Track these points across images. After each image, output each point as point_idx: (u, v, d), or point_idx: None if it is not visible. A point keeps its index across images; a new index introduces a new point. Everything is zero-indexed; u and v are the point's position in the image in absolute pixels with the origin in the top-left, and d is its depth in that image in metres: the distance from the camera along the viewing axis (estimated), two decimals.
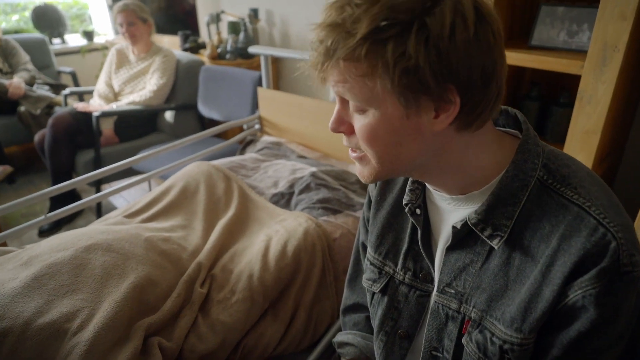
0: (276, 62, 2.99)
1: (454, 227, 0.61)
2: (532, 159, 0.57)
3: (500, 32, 0.52)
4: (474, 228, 0.58)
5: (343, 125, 0.58)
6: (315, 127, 1.97)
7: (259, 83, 2.31)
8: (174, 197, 1.44)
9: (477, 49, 0.49)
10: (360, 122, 0.54)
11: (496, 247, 0.57)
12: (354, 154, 0.60)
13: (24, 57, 3.03)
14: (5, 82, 2.78)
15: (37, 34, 3.41)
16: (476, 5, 0.49)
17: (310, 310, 1.19)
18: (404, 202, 0.68)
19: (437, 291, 0.66)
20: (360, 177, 0.61)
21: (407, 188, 0.69)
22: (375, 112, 0.52)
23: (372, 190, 0.80)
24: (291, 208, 1.49)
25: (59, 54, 3.64)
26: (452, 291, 0.63)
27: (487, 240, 0.58)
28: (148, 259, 1.08)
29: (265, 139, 2.10)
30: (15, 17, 3.89)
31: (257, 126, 2.24)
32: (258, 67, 2.60)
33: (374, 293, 0.76)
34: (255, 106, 2.35)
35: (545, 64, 1.41)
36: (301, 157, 1.90)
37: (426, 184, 0.66)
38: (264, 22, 2.98)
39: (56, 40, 3.77)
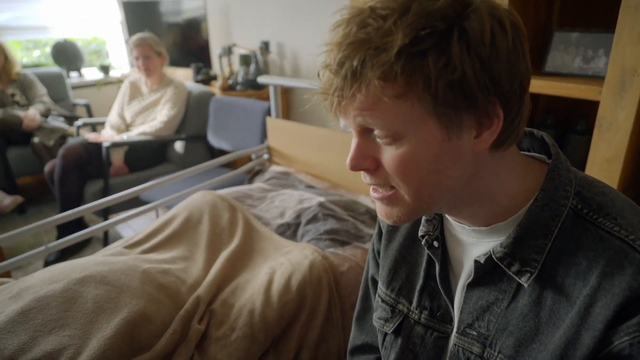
0: (286, 93, 3.00)
1: (476, 262, 0.54)
2: (563, 186, 0.51)
3: (526, 37, 0.47)
4: (499, 263, 0.52)
5: (366, 161, 0.50)
6: (324, 157, 1.93)
7: (269, 113, 2.30)
8: (177, 228, 1.39)
9: (517, 57, 0.45)
10: (391, 153, 0.48)
11: (525, 285, 0.50)
12: (378, 194, 0.53)
13: (41, 89, 3.09)
14: (21, 114, 2.83)
15: (55, 68, 3.50)
16: (508, 12, 0.46)
17: (315, 350, 1.11)
18: (420, 233, 0.62)
19: (457, 332, 0.58)
20: (387, 219, 0.53)
21: (423, 218, 0.62)
22: (411, 139, 0.46)
23: (383, 220, 0.73)
24: (297, 239, 1.43)
25: (76, 87, 3.72)
26: (474, 333, 0.56)
27: (514, 276, 0.51)
28: (144, 293, 1.02)
29: (274, 168, 2.07)
30: (36, 53, 4.02)
31: (265, 156, 2.21)
32: (268, 98, 2.61)
33: (386, 334, 0.69)
34: (264, 136, 2.33)
35: (562, 90, 1.36)
36: (310, 187, 1.86)
37: (449, 217, 0.59)
38: (275, 55, 3.01)
39: (73, 74, 3.86)
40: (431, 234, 0.61)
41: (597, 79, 1.41)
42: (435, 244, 0.60)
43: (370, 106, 0.45)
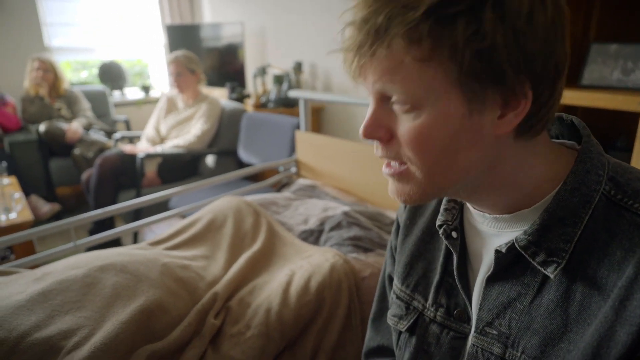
0: (317, 113, 3.03)
1: (497, 252, 0.49)
2: (595, 169, 0.47)
3: (568, 19, 0.44)
4: (523, 252, 0.47)
5: (380, 130, 0.47)
6: (352, 171, 1.92)
7: (298, 128, 2.32)
8: (200, 229, 1.40)
9: (554, 36, 0.42)
10: (408, 123, 0.45)
11: (552, 276, 0.46)
12: (389, 170, 0.50)
13: (85, 105, 3.26)
14: (65, 126, 2.98)
15: (99, 86, 3.69)
16: None
17: (332, 356, 1.06)
18: (438, 222, 0.58)
19: (475, 332, 0.53)
20: (398, 197, 0.50)
21: (442, 207, 0.58)
22: (431, 110, 0.43)
23: (401, 213, 0.70)
24: (320, 245, 1.41)
25: (118, 104, 3.91)
26: (494, 332, 0.51)
27: (539, 267, 0.47)
28: (162, 284, 1.02)
29: (301, 181, 2.07)
30: (84, 74, 4.27)
31: (293, 169, 2.22)
32: (298, 115, 2.64)
33: (400, 332, 0.64)
34: (293, 151, 2.35)
35: (600, 101, 1.31)
36: (335, 199, 1.84)
37: (469, 204, 0.56)
38: (307, 75, 3.07)
39: (116, 93, 4.06)
40: (450, 223, 0.57)
41: (637, 91, 1.35)
42: (454, 234, 0.56)
43: (392, 69, 0.43)
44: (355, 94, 2.79)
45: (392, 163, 0.49)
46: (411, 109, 0.44)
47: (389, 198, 1.83)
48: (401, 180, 0.49)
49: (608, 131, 1.60)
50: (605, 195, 0.46)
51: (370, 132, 0.48)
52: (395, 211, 1.73)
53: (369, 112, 0.48)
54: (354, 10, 0.44)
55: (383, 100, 0.47)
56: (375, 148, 0.50)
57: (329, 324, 1.09)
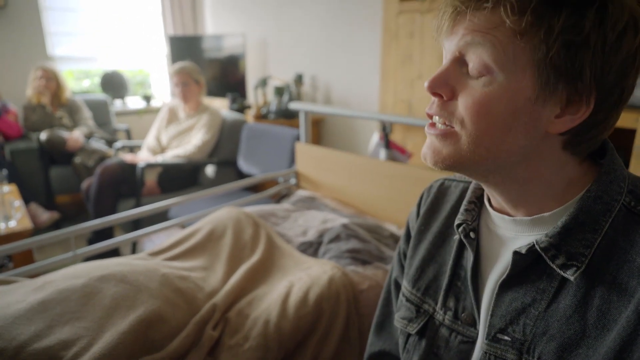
0: (317, 124, 3.06)
1: (516, 253, 0.50)
2: (617, 181, 0.49)
3: None
4: (543, 254, 0.48)
5: (445, 87, 0.48)
6: (352, 183, 1.93)
7: (298, 139, 2.34)
8: (200, 240, 1.40)
9: (632, 63, 0.44)
10: (476, 87, 0.46)
11: (572, 279, 0.47)
12: (434, 130, 0.50)
13: (86, 113, 3.28)
14: (66, 135, 2.99)
15: (101, 95, 3.72)
16: None
17: None
18: (457, 222, 0.59)
19: (487, 339, 0.53)
20: (432, 157, 0.51)
21: (463, 207, 0.60)
22: (502, 81, 0.45)
23: (413, 221, 0.72)
24: (319, 257, 1.41)
25: (119, 114, 3.93)
26: (508, 338, 0.51)
27: (559, 270, 0.48)
28: (161, 294, 1.03)
29: (300, 193, 2.08)
30: (86, 83, 4.30)
31: (292, 180, 2.23)
32: (299, 126, 2.66)
33: (409, 335, 0.65)
34: (292, 162, 2.36)
35: None
36: (335, 210, 1.85)
37: (491, 197, 0.57)
38: (308, 87, 3.10)
39: (118, 102, 4.08)
40: (469, 223, 0.58)
41: (634, 108, 1.37)
42: (472, 234, 0.58)
43: (487, 29, 0.44)
44: (356, 107, 2.82)
45: (438, 124, 0.51)
46: (484, 73, 0.46)
47: (388, 211, 1.85)
48: (444, 140, 0.50)
49: None
50: (625, 206, 0.48)
51: (436, 86, 0.49)
52: (394, 224, 1.74)
53: (441, 68, 0.49)
54: None
55: (458, 61, 0.48)
56: (430, 106, 0.51)
57: (327, 336, 1.09)
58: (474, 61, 0.46)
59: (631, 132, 1.29)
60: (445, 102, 0.49)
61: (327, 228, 1.52)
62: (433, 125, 0.51)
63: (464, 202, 0.61)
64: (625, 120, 1.31)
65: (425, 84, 0.50)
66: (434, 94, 0.50)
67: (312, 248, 1.45)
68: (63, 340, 0.83)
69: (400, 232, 1.62)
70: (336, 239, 1.44)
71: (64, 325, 0.87)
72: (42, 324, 0.86)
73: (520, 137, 0.47)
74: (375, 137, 2.29)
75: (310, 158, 2.13)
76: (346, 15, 2.73)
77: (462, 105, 0.47)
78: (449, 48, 0.49)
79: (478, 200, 0.61)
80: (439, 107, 0.50)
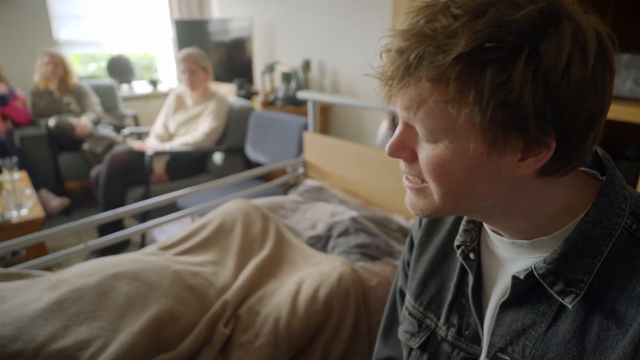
0: (325, 112, 3.03)
1: (514, 278, 0.50)
2: (618, 203, 0.47)
3: (615, 69, 0.44)
4: (541, 280, 0.48)
5: (404, 151, 0.50)
6: (360, 173, 1.93)
7: (306, 128, 2.33)
8: (210, 233, 1.41)
9: (591, 90, 0.41)
10: (428, 151, 0.46)
11: (570, 306, 0.46)
12: (410, 184, 0.52)
13: (94, 99, 3.28)
14: (74, 121, 3.00)
15: (107, 80, 3.71)
16: (598, 37, 0.42)
17: None
18: (456, 243, 0.59)
19: (487, 356, 0.54)
20: (411, 208, 0.53)
21: (461, 228, 0.60)
22: (449, 145, 0.44)
23: (416, 230, 0.71)
24: (328, 251, 1.42)
25: (126, 99, 3.92)
26: (508, 358, 0.52)
27: (557, 297, 0.47)
28: (173, 292, 1.04)
29: (308, 182, 2.08)
30: (92, 67, 4.28)
31: (300, 170, 2.23)
32: (306, 114, 2.64)
33: (411, 349, 0.66)
34: (300, 151, 2.35)
35: (610, 112, 1.30)
36: (343, 202, 1.85)
37: (485, 225, 0.57)
38: (315, 72, 3.06)
39: (124, 87, 4.07)
40: (468, 244, 0.58)
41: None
42: (472, 255, 0.57)
43: (417, 103, 0.44)
44: (364, 95, 2.79)
45: (412, 178, 0.52)
46: (432, 140, 0.46)
47: (395, 201, 1.85)
48: (418, 195, 0.51)
49: (617, 141, 1.59)
50: (626, 229, 0.46)
51: (394, 152, 0.50)
52: (402, 215, 1.74)
53: (396, 132, 0.50)
54: (392, 39, 0.45)
55: (409, 124, 0.48)
56: (400, 163, 0.53)
57: (337, 334, 1.11)
58: (417, 128, 0.47)
59: (638, 126, 1.27)
60: (410, 162, 0.50)
61: (336, 221, 1.53)
62: (408, 178, 0.52)
63: (463, 222, 0.60)
64: (636, 114, 1.28)
65: (385, 150, 0.51)
66: (397, 157, 0.51)
67: (321, 242, 1.46)
68: (79, 340, 0.85)
69: (408, 224, 1.62)
70: (345, 233, 1.44)
71: (79, 325, 0.89)
72: (59, 324, 0.88)
73: (486, 186, 0.46)
74: (384, 126, 2.27)
75: (318, 148, 2.12)
76: (355, 2, 2.68)
77: (422, 165, 0.48)
78: (397, 111, 0.49)
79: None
80: (406, 167, 0.51)
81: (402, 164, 0.52)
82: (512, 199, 0.48)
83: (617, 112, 1.30)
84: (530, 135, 0.42)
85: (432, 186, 0.48)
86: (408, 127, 0.49)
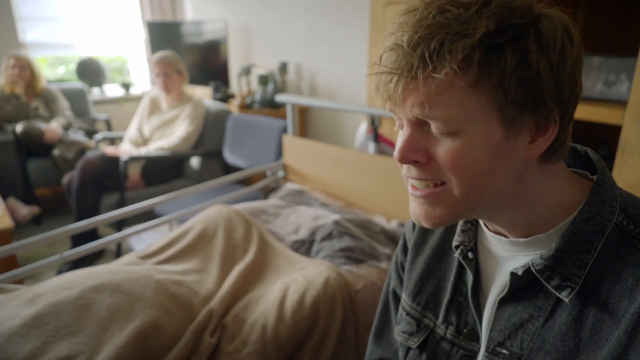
0: (303, 114, 3.03)
1: (513, 274, 0.52)
2: (609, 200, 0.49)
3: (583, 55, 0.48)
4: (538, 276, 0.50)
5: (417, 153, 0.48)
6: (340, 176, 1.93)
7: (285, 131, 2.32)
8: (191, 240, 1.39)
9: (578, 69, 0.46)
10: (448, 146, 0.46)
11: (566, 300, 0.48)
12: (422, 192, 0.49)
13: (63, 103, 3.17)
14: (43, 126, 2.89)
15: (77, 84, 3.59)
16: (573, 25, 0.47)
17: None
18: (455, 243, 0.60)
19: (486, 351, 0.55)
20: (425, 220, 0.50)
21: (459, 228, 0.61)
22: (470, 133, 0.45)
23: (410, 233, 0.71)
24: (312, 255, 1.42)
25: (97, 102, 3.81)
26: (506, 352, 0.53)
27: (554, 291, 0.49)
28: (157, 303, 1.01)
29: (288, 186, 2.07)
30: (61, 70, 4.14)
31: (280, 173, 2.21)
32: (285, 117, 2.63)
33: (409, 348, 0.66)
34: (279, 154, 2.34)
35: (582, 113, 1.35)
36: (324, 205, 1.85)
37: (486, 224, 0.58)
38: (292, 75, 3.05)
39: (95, 90, 3.96)
40: (467, 244, 0.59)
41: (619, 103, 1.39)
42: (470, 255, 0.59)
43: (437, 93, 0.44)
44: (342, 98, 2.80)
45: (420, 185, 0.50)
46: (451, 131, 0.45)
47: (376, 203, 1.86)
48: (434, 202, 0.49)
49: (588, 141, 1.65)
50: (617, 225, 0.48)
51: (407, 156, 0.48)
52: (383, 216, 1.76)
53: (403, 135, 0.48)
54: (397, 35, 0.45)
55: (419, 123, 0.47)
56: (407, 170, 0.50)
57: (324, 339, 1.10)
58: (435, 122, 0.46)
59: (617, 128, 1.32)
60: (425, 165, 0.48)
61: (319, 225, 1.52)
62: (416, 187, 0.50)
63: (460, 223, 0.61)
64: (611, 116, 1.33)
65: (395, 156, 0.48)
66: (410, 162, 0.49)
67: (304, 246, 1.45)
68: (60, 357, 0.82)
69: (389, 226, 1.63)
70: (329, 236, 1.44)
71: (60, 341, 0.86)
72: (38, 341, 0.84)
73: (505, 174, 0.48)
74: (363, 128, 2.28)
75: (298, 151, 2.12)
76: (332, 4, 2.69)
77: (442, 164, 0.47)
78: (403, 114, 0.48)
79: (474, 219, 0.62)
80: (420, 171, 0.49)
81: (410, 170, 0.50)
82: (516, 188, 0.50)
83: (588, 113, 1.35)
84: (542, 113, 0.45)
85: (455, 183, 0.47)
86: (417, 126, 0.48)
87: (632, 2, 1.32)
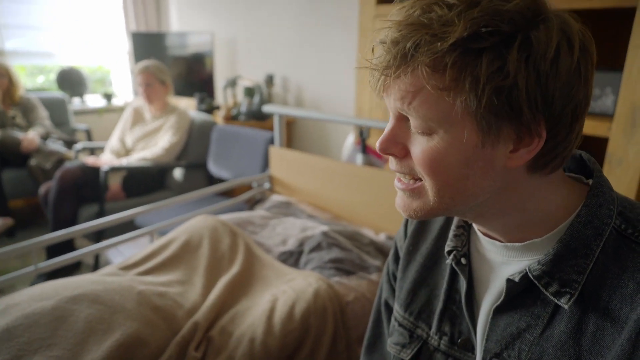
0: (290, 126, 3.01)
1: (509, 280, 0.50)
2: (607, 204, 0.48)
3: (595, 62, 0.45)
4: (536, 282, 0.48)
5: (396, 147, 0.49)
6: (327, 188, 1.91)
7: (271, 143, 2.29)
8: (175, 251, 1.33)
9: (577, 80, 0.43)
10: (422, 145, 0.46)
11: (566, 307, 0.46)
12: (402, 185, 0.51)
13: (42, 113, 3.08)
14: (20, 135, 2.80)
15: (57, 93, 3.51)
16: (580, 31, 0.44)
17: None
18: (448, 248, 0.58)
19: None
20: (403, 211, 0.52)
21: (452, 233, 0.59)
22: (444, 136, 0.45)
23: (401, 241, 0.69)
24: (300, 267, 1.38)
25: (78, 112, 3.72)
26: None
27: (552, 298, 0.47)
28: (139, 315, 0.96)
29: (275, 198, 2.03)
30: (40, 79, 4.05)
31: (266, 185, 2.18)
32: (271, 129, 2.61)
33: None
34: (265, 166, 2.31)
35: None
36: (311, 217, 1.81)
37: (477, 228, 0.56)
38: (279, 87, 3.05)
39: (76, 100, 3.87)
40: (459, 249, 0.57)
41: (605, 116, 1.42)
42: (463, 260, 0.57)
43: (413, 92, 0.44)
44: (328, 110, 2.80)
45: (404, 178, 0.51)
46: (426, 132, 0.46)
47: (364, 216, 1.84)
48: (411, 196, 0.50)
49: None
50: (615, 229, 0.47)
51: (385, 148, 0.49)
52: (371, 229, 1.73)
53: (387, 127, 0.49)
54: (386, 31, 0.45)
55: (402, 118, 0.48)
56: (390, 162, 0.51)
57: (315, 351, 1.06)
58: (412, 119, 0.47)
59: (604, 140, 1.34)
60: (402, 159, 0.50)
61: (307, 236, 1.49)
62: (400, 179, 0.52)
63: (452, 227, 0.60)
64: (598, 128, 1.35)
65: (377, 146, 0.50)
66: (388, 154, 0.50)
67: (292, 258, 1.41)
68: None
69: (378, 238, 1.61)
70: (317, 248, 1.41)
71: (33, 354, 0.80)
72: (9, 355, 0.78)
73: (481, 180, 0.46)
74: (350, 140, 2.27)
75: (284, 162, 2.09)
76: (319, 16, 2.70)
77: (415, 161, 0.48)
78: (389, 105, 0.49)
79: (466, 224, 0.60)
80: (398, 165, 0.50)
81: (392, 162, 0.51)
82: (504, 196, 0.48)
83: None
84: (522, 124, 0.43)
85: (427, 182, 0.48)
86: (400, 121, 0.48)
87: (616, 16, 1.35)
